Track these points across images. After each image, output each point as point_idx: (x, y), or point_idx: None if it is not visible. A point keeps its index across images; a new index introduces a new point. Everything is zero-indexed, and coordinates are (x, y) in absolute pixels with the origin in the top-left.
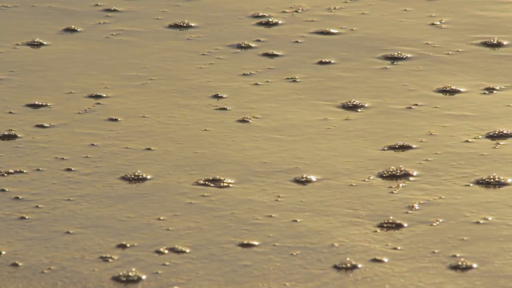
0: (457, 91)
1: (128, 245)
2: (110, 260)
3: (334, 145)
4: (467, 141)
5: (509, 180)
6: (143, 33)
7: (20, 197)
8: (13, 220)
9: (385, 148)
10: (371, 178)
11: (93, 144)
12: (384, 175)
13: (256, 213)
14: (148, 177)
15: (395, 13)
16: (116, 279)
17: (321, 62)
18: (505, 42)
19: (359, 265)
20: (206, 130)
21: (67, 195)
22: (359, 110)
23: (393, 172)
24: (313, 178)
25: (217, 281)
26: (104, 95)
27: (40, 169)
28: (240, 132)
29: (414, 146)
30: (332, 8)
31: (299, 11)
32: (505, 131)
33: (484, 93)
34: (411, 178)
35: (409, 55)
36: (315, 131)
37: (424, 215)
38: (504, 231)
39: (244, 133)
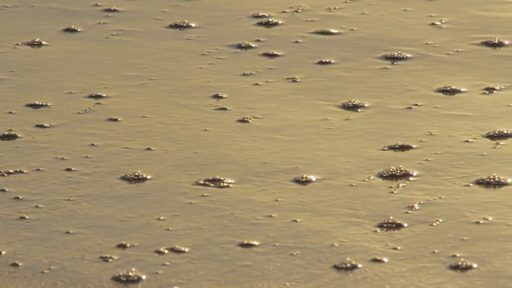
0: (457, 91)
1: (128, 245)
2: (110, 260)
3: (334, 145)
4: (467, 141)
5: (509, 180)
6: (143, 33)
7: (20, 197)
8: (13, 220)
9: (385, 148)
10: (371, 178)
11: (93, 144)
12: (384, 175)
13: (256, 213)
14: (148, 177)
15: (395, 13)
16: (116, 279)
17: (321, 62)
18: (506, 42)
19: (359, 265)
20: (206, 130)
21: (67, 195)
22: (359, 110)
23: (393, 172)
24: (313, 178)
25: (217, 281)
26: (104, 95)
27: (40, 169)
28: (240, 132)
29: (414, 146)
30: (332, 8)
31: (299, 11)
32: (505, 131)
33: (484, 93)
34: (411, 178)
35: (409, 55)
36: (315, 131)
37: (424, 215)
38: (504, 231)
39: (244, 133)
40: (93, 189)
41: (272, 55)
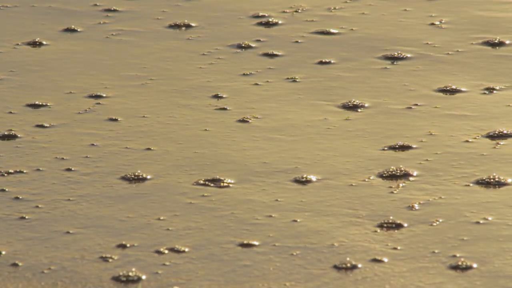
0: (457, 91)
1: (128, 245)
2: (110, 260)
3: (334, 145)
4: (467, 141)
5: (509, 180)
6: (143, 33)
7: (20, 197)
8: (13, 220)
9: (385, 148)
10: (371, 178)
11: (93, 144)
12: (384, 175)
13: (256, 213)
14: (148, 177)
15: (395, 13)
16: (116, 279)
17: (321, 62)
18: (507, 42)
19: (359, 265)
20: (206, 130)
21: (67, 195)
22: (359, 110)
23: (393, 172)
24: (313, 178)
25: (217, 281)
26: (104, 95)
27: (40, 169)
28: (240, 132)
29: (414, 146)
30: (332, 8)
31: (299, 11)
32: (505, 131)
33: (484, 93)
34: (411, 178)
35: (409, 55)
36: (315, 131)
37: (424, 215)
38: (504, 231)
39: (244, 133)
40: (93, 189)
41: (272, 55)
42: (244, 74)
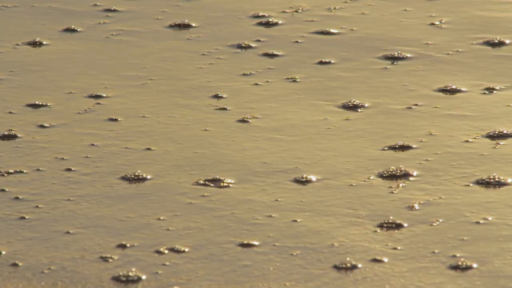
0: (457, 91)
1: (128, 245)
2: (110, 260)
3: (334, 145)
4: (467, 141)
5: (509, 180)
6: (143, 33)
7: (20, 197)
8: (13, 220)
9: (385, 148)
10: (371, 178)
11: (93, 144)
12: (384, 175)
13: (256, 213)
14: (148, 177)
15: (395, 13)
16: (116, 279)
17: (321, 62)
18: (507, 42)
19: (359, 265)
20: (206, 130)
21: (67, 195)
22: (359, 110)
23: (393, 172)
24: (313, 178)
25: (217, 281)
26: (104, 95)
27: (40, 169)
28: (240, 132)
29: (414, 146)
30: (332, 8)
31: (299, 11)
32: (505, 131)
33: (484, 93)
34: (411, 178)
35: (409, 55)
36: (315, 131)
37: (424, 215)
38: (504, 231)
39: (244, 133)
40: (93, 189)
41: (272, 55)
42: (244, 74)
